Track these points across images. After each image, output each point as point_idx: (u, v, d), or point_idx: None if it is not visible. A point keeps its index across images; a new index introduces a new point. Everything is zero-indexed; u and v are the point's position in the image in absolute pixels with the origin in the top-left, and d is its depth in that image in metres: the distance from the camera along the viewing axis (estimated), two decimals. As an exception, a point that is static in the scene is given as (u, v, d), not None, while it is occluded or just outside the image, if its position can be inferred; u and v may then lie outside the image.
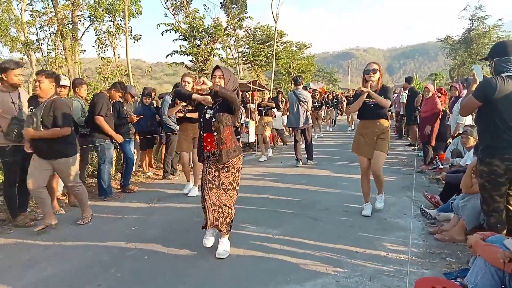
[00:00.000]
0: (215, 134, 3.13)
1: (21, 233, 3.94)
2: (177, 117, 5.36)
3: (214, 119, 3.12)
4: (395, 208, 4.55)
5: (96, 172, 5.96)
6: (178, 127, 6.38)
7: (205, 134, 3.19)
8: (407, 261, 3.09)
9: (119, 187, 5.81)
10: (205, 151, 3.19)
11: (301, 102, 7.35)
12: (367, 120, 4.28)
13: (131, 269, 3.06)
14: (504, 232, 2.84)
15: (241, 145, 8.75)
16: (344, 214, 4.36)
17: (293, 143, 7.74)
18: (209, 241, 3.32)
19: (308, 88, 14.96)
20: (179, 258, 3.26)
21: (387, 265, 3.02)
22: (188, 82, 5.01)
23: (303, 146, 7.90)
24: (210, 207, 3.14)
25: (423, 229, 3.87)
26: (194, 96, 3.15)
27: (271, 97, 10.24)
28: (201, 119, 3.22)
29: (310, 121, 7.66)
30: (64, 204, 4.98)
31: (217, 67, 3.19)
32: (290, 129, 10.00)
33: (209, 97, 3.09)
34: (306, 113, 7.43)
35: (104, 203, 5.08)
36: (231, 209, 3.24)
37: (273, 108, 9.11)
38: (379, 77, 4.23)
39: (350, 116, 15.17)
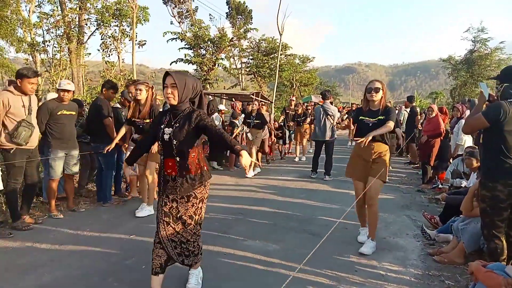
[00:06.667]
0: (178, 159, 2.54)
1: (19, 236, 3.91)
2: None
3: (175, 141, 2.51)
4: (394, 227, 4.55)
5: (94, 178, 5.97)
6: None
7: (165, 160, 2.61)
8: (406, 281, 3.08)
9: (113, 193, 5.75)
10: (166, 174, 2.61)
11: (328, 116, 7.58)
12: None
13: (128, 279, 3.03)
14: (503, 257, 2.84)
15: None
16: (343, 231, 4.34)
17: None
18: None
19: (309, 102, 15.04)
20: (176, 269, 3.22)
21: (386, 286, 3.00)
22: (141, 90, 4.64)
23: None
24: (169, 244, 2.62)
25: (422, 249, 3.86)
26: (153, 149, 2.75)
27: (303, 109, 10.70)
28: (159, 141, 2.62)
29: (336, 135, 7.95)
30: (62, 208, 4.96)
31: (167, 74, 2.52)
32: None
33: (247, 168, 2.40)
34: (333, 127, 7.70)
35: (102, 209, 5.05)
36: (197, 242, 2.71)
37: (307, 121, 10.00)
38: (382, 97, 3.74)
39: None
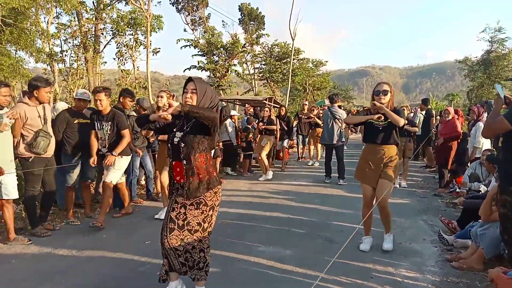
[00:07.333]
0: (184, 162, 2.54)
1: (38, 243, 4.00)
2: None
3: (183, 144, 2.55)
4: (410, 232, 4.47)
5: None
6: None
7: (174, 163, 2.61)
8: (423, 289, 3.03)
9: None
10: (175, 182, 2.61)
11: (336, 120, 7.55)
12: (373, 145, 3.87)
13: (143, 286, 3.07)
14: None
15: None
16: (359, 237, 4.28)
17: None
18: None
19: (322, 106, 14.97)
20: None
21: (403, 293, 2.95)
22: (162, 97, 4.70)
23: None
24: (172, 253, 2.58)
25: (439, 255, 3.77)
26: (151, 117, 2.65)
27: (318, 111, 10.70)
28: (169, 144, 2.65)
29: (344, 139, 7.90)
30: (80, 215, 5.05)
31: (190, 79, 2.59)
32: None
33: (167, 114, 2.46)
34: (340, 131, 7.65)
35: (119, 215, 5.11)
36: (204, 252, 2.61)
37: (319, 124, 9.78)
38: (390, 99, 3.78)
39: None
